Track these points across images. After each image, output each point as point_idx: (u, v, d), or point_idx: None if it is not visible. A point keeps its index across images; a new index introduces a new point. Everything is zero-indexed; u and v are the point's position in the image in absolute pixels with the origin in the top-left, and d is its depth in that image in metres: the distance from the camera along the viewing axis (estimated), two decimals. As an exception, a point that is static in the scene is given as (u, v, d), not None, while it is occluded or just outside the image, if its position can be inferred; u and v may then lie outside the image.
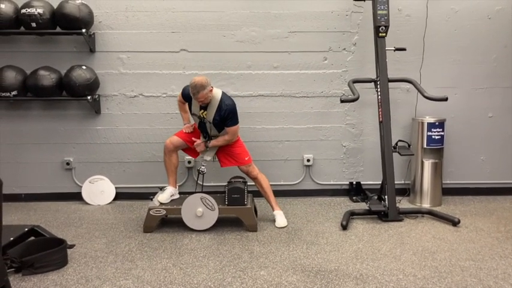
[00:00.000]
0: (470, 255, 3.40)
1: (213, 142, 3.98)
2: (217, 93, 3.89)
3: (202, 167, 4.08)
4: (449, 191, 4.88)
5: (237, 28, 4.71)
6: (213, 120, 3.90)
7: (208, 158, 4.07)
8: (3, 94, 4.42)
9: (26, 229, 3.47)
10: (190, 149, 4.13)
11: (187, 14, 4.68)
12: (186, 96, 3.98)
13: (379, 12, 4.28)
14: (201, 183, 4.16)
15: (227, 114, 3.86)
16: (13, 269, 3.10)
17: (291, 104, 4.83)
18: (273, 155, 4.90)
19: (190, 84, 3.75)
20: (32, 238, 3.49)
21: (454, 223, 4.04)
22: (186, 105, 4.12)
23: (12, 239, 3.26)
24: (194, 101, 3.90)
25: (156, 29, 4.69)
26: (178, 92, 4.71)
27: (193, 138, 4.04)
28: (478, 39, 4.80)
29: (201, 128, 4.04)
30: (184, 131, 4.11)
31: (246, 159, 4.09)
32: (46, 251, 3.19)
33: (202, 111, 3.93)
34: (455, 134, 4.88)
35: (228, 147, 4.06)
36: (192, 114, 4.04)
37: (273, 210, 4.17)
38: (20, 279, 3.04)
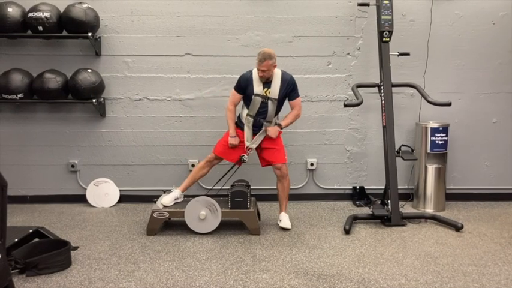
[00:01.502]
0: (473, 261, 3.39)
1: (285, 121, 4.06)
2: (277, 71, 3.96)
3: (246, 156, 4.05)
4: (453, 196, 4.87)
5: (242, 32, 4.74)
6: (278, 95, 3.94)
7: (254, 145, 4.06)
8: (10, 97, 4.46)
9: (31, 230, 3.49)
10: (231, 155, 4.12)
11: (192, 18, 4.71)
12: (245, 80, 3.96)
13: (383, 17, 4.30)
14: (209, 188, 4.13)
15: (291, 86, 3.95)
16: (17, 270, 3.12)
17: (295, 108, 4.84)
18: (277, 158, 4.90)
19: (259, 53, 3.82)
20: (37, 239, 3.52)
21: (457, 228, 4.03)
22: (235, 110, 4.08)
23: (16, 240, 3.28)
24: (255, 81, 3.93)
25: (161, 33, 4.72)
26: (183, 96, 4.76)
27: (232, 144, 4.03)
28: (482, 45, 4.80)
29: (262, 110, 3.98)
30: (230, 146, 4.05)
31: (285, 157, 4.14)
32: (50, 252, 3.21)
33: (266, 89, 3.94)
34: (459, 139, 4.88)
35: (275, 139, 4.05)
36: (255, 95, 3.96)
37: (280, 212, 4.17)
38: (24, 280, 3.06)
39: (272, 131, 4.01)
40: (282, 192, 4.16)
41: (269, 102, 3.96)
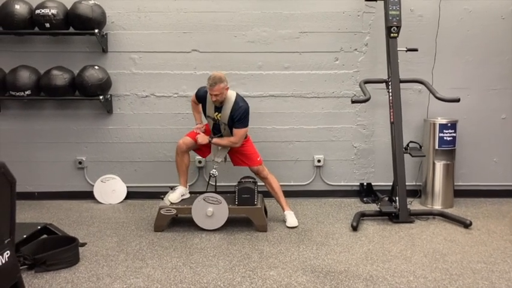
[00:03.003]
0: (482, 258, 3.37)
1: (216, 140, 4.00)
2: (231, 94, 3.93)
3: (214, 170, 4.10)
4: (461, 193, 4.84)
5: (248, 28, 4.72)
6: (228, 121, 3.92)
7: (219, 159, 4.09)
8: (17, 94, 4.48)
9: (39, 227, 3.51)
10: (201, 149, 4.15)
11: (198, 14, 4.70)
12: (200, 98, 4.02)
13: (391, 12, 4.26)
14: (214, 184, 4.16)
15: (238, 115, 3.87)
16: (26, 266, 3.14)
17: (302, 105, 4.83)
18: (284, 155, 4.90)
19: (209, 77, 3.79)
20: (45, 236, 3.54)
21: (466, 225, 4.00)
22: (200, 106, 4.14)
23: (25, 236, 3.30)
24: (209, 103, 3.94)
25: (167, 30, 4.71)
26: (190, 92, 4.76)
27: (197, 131, 4.04)
28: (491, 40, 4.76)
29: (215, 130, 4.05)
30: (195, 131, 4.12)
31: (258, 159, 4.11)
32: (58, 248, 3.22)
33: (216, 113, 3.95)
34: (468, 136, 4.84)
35: (238, 148, 4.07)
36: (207, 117, 4.05)
37: (284, 211, 4.17)
38: (33, 276, 3.08)
39: (200, 137, 3.99)
40: (272, 191, 4.17)
41: (221, 125, 3.98)
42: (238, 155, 4.11)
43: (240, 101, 3.92)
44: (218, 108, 3.93)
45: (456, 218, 4.13)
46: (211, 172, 4.11)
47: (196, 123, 4.20)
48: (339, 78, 4.80)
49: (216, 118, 3.97)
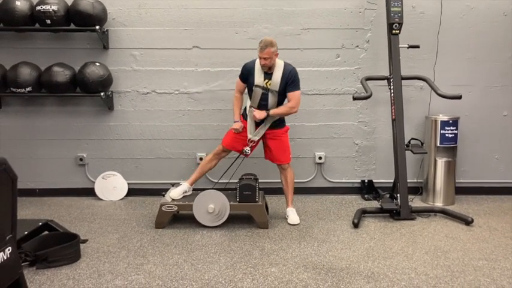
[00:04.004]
0: (484, 255, 3.37)
1: (274, 110, 3.92)
2: (280, 62, 3.91)
3: (247, 148, 4.01)
4: (463, 190, 4.83)
5: (250, 25, 4.71)
6: (279, 87, 3.88)
7: (256, 138, 4.01)
8: (18, 90, 4.47)
9: (40, 223, 3.51)
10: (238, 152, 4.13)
11: (200, 11, 4.69)
12: (248, 69, 3.95)
13: (392, 9, 4.25)
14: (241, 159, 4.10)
15: (291, 78, 3.86)
16: (27, 263, 3.14)
17: (303, 101, 4.77)
18: (285, 152, 4.89)
19: (260, 41, 3.79)
20: (46, 232, 3.54)
21: (467, 222, 4.00)
22: (242, 97, 4.09)
23: (26, 233, 3.30)
24: (257, 72, 3.90)
25: (168, 26, 4.71)
26: (191, 89, 4.76)
27: (235, 131, 3.99)
28: (493, 37, 4.74)
29: (263, 102, 3.96)
30: (233, 131, 4.04)
31: (290, 156, 4.12)
32: (59, 245, 3.22)
33: (266, 80, 3.90)
34: (469, 133, 4.83)
35: (276, 138, 4.02)
36: (255, 87, 3.94)
37: (287, 207, 4.16)
38: (34, 273, 3.08)
39: (257, 112, 3.92)
40: (285, 184, 4.16)
41: (269, 94, 3.92)
42: (273, 147, 4.05)
43: (288, 65, 3.92)
44: (268, 75, 3.89)
45: (458, 215, 4.12)
46: (245, 149, 4.01)
47: (234, 119, 4.10)
48: (341, 75, 4.79)
49: (265, 86, 3.90)
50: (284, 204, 4.26)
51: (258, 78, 3.91)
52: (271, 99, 3.93)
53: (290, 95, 3.93)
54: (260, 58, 3.81)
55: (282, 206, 4.38)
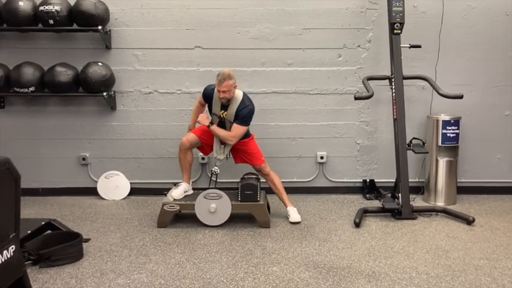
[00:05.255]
0: (485, 254, 3.37)
1: (215, 127, 3.93)
2: (238, 93, 3.94)
3: (216, 168, 4.11)
4: (464, 190, 4.83)
5: (251, 25, 4.72)
6: (234, 119, 3.92)
7: (221, 157, 4.08)
8: (22, 90, 4.49)
9: (43, 223, 3.53)
10: (203, 147, 4.16)
11: (202, 11, 4.70)
12: (208, 95, 4.01)
13: (394, 9, 4.26)
14: (215, 181, 4.18)
15: (242, 114, 3.89)
16: (30, 262, 3.16)
17: (305, 101, 4.83)
18: (286, 152, 4.90)
19: (218, 74, 3.80)
20: (49, 232, 3.56)
21: (469, 222, 4.00)
22: (203, 108, 4.15)
23: (29, 232, 3.32)
24: (215, 101, 3.95)
25: (171, 26, 4.72)
26: (193, 89, 4.77)
27: (199, 119, 3.99)
28: (495, 36, 4.74)
29: (221, 128, 4.01)
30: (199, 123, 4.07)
31: (262, 159, 4.12)
32: (62, 244, 3.24)
33: (222, 111, 3.95)
34: (471, 132, 4.83)
35: (242, 147, 4.07)
36: (212, 114, 4.04)
37: (286, 207, 4.18)
38: (37, 272, 3.10)
39: (201, 118, 3.94)
40: (274, 188, 4.18)
41: (226, 123, 3.97)
42: (241, 153, 4.12)
43: (246, 100, 3.94)
44: (224, 107, 3.94)
45: (459, 214, 4.13)
46: (213, 169, 4.12)
47: (189, 124, 4.24)
48: (342, 74, 4.80)
49: (222, 116, 3.97)
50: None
51: (215, 107, 3.98)
52: (228, 127, 3.98)
53: (233, 126, 3.93)
54: (219, 91, 3.82)
55: (283, 206, 4.38)
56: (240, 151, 4.11)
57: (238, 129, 3.93)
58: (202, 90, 4.75)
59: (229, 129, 3.97)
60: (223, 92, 3.80)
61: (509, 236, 3.74)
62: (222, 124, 4.01)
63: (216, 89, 3.88)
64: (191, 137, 4.07)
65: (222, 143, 4.04)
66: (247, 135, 4.10)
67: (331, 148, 4.92)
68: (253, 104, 3.97)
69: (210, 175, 4.20)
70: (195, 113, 4.18)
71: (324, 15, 4.71)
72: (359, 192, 4.96)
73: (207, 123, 3.94)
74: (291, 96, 4.82)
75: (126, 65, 4.77)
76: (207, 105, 4.12)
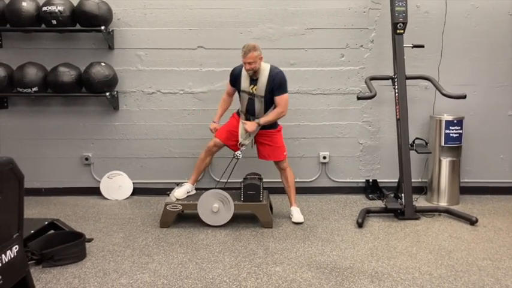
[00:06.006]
0: (488, 255, 3.36)
1: (264, 118, 3.92)
2: (265, 65, 3.90)
3: (239, 152, 4.02)
4: (467, 190, 4.82)
5: (254, 25, 4.72)
6: (265, 93, 3.88)
7: (246, 142, 4.03)
8: (25, 90, 4.50)
9: (46, 222, 3.54)
10: (231, 147, 4.11)
11: (204, 11, 4.70)
12: (235, 75, 3.98)
13: (397, 8, 4.25)
14: (232, 169, 4.10)
15: (277, 82, 3.85)
16: (33, 261, 3.16)
17: (307, 101, 4.83)
18: (289, 152, 4.85)
19: (243, 46, 3.80)
20: (52, 231, 3.56)
21: (472, 222, 3.99)
22: (230, 99, 4.13)
23: (32, 232, 3.33)
24: (243, 77, 3.92)
25: (173, 26, 4.73)
26: (196, 89, 4.78)
27: (213, 130, 4.01)
28: (498, 36, 4.73)
29: (249, 107, 3.98)
30: (211, 131, 4.09)
31: (284, 153, 4.11)
32: (65, 244, 3.25)
33: (252, 86, 3.91)
34: (474, 132, 4.82)
35: (268, 138, 4.03)
36: (242, 92, 3.97)
37: (291, 206, 4.17)
38: (40, 271, 3.11)
39: (249, 124, 3.93)
40: (286, 184, 4.17)
41: (256, 99, 3.92)
42: (266, 146, 4.07)
43: (274, 68, 3.90)
44: (253, 81, 3.90)
45: (462, 214, 4.12)
46: (236, 153, 4.02)
47: (214, 120, 4.15)
48: (345, 74, 4.79)
49: (251, 91, 3.92)
50: (288, 203, 4.27)
51: (244, 83, 3.93)
52: (258, 104, 3.94)
53: (277, 99, 3.90)
54: (244, 63, 3.81)
55: (286, 206, 4.39)
56: (265, 144, 4.06)
57: (282, 100, 3.90)
58: (204, 90, 4.79)
59: (259, 105, 3.91)
60: (249, 63, 3.77)
61: (513, 236, 3.74)
62: (252, 101, 3.94)
63: (243, 64, 3.86)
64: (218, 142, 4.05)
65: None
66: (275, 125, 4.07)
67: (333, 148, 4.91)
68: (282, 71, 3.92)
69: (229, 162, 4.12)
70: (222, 106, 4.17)
71: (326, 15, 4.71)
72: (362, 192, 4.95)
73: (255, 126, 3.92)
74: (293, 96, 4.80)
75: (128, 65, 4.78)
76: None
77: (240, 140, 4.02)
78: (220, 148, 4.10)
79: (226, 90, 4.17)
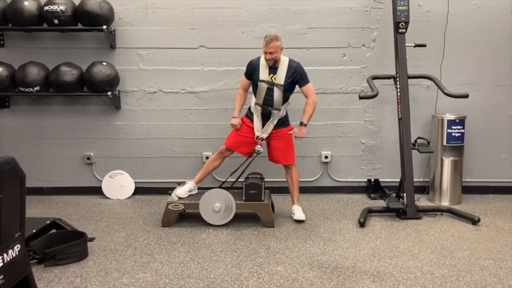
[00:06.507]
0: (490, 254, 3.36)
1: (306, 116, 3.98)
2: (284, 57, 3.95)
3: (259, 146, 4.02)
4: (469, 189, 4.82)
5: (256, 24, 4.72)
6: (284, 82, 3.91)
7: (264, 135, 4.03)
8: (27, 90, 4.51)
9: (48, 222, 3.54)
10: (243, 153, 4.14)
11: (206, 10, 4.70)
12: (253, 66, 3.99)
13: (399, 8, 4.24)
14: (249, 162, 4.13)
15: (299, 73, 3.92)
16: (35, 260, 3.17)
17: (309, 101, 4.81)
18: (291, 151, 4.89)
19: (265, 36, 3.85)
20: (54, 231, 3.57)
21: (474, 222, 3.98)
22: (246, 94, 4.13)
23: (34, 231, 3.33)
24: (262, 67, 3.94)
25: (175, 26, 4.73)
26: (197, 88, 4.78)
27: (234, 128, 4.02)
28: (501, 35, 4.72)
29: (268, 97, 3.96)
30: (231, 126, 4.09)
31: (295, 156, 4.12)
32: (67, 243, 3.25)
33: (271, 75, 3.93)
34: (476, 132, 4.81)
35: (281, 136, 4.03)
36: (261, 81, 3.96)
37: (293, 204, 4.17)
38: (42, 270, 3.11)
39: (298, 131, 4.00)
40: (291, 183, 4.16)
41: (275, 88, 3.93)
42: (279, 148, 4.06)
43: (293, 60, 3.96)
44: (273, 70, 3.92)
45: (464, 214, 4.11)
46: (257, 148, 4.02)
47: (234, 115, 4.12)
48: (347, 74, 4.79)
49: (271, 81, 3.93)
50: (290, 203, 4.27)
51: (263, 73, 3.94)
52: (277, 93, 3.94)
53: (304, 89, 3.98)
54: (266, 53, 3.85)
55: (287, 205, 4.39)
56: (278, 146, 4.06)
57: (309, 89, 3.98)
58: (206, 89, 4.79)
59: (279, 93, 3.92)
60: (271, 53, 3.81)
61: (515, 236, 3.73)
62: (270, 91, 3.94)
63: (262, 55, 3.90)
64: (232, 146, 4.08)
65: (264, 122, 4.01)
66: (287, 122, 4.10)
67: (335, 147, 4.91)
68: (299, 62, 3.99)
69: (251, 155, 4.12)
70: (239, 102, 4.14)
71: (328, 15, 4.70)
72: (363, 191, 4.95)
73: (304, 129, 3.98)
74: (295, 95, 4.77)
75: (130, 64, 4.78)
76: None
77: (257, 133, 4.02)
78: (231, 153, 4.12)
79: (241, 85, 4.16)
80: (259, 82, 3.97)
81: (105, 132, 4.90)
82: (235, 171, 4.20)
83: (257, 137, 4.02)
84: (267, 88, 3.95)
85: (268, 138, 4.08)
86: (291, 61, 3.95)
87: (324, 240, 3.64)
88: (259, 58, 3.98)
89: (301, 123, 4.00)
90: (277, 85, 3.93)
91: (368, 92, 4.27)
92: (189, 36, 4.74)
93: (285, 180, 4.21)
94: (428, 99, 4.78)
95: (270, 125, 4.02)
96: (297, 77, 3.93)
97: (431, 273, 3.06)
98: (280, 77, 3.91)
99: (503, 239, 3.66)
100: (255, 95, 4.03)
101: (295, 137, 4.05)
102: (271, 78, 3.93)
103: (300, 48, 4.72)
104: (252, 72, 4.01)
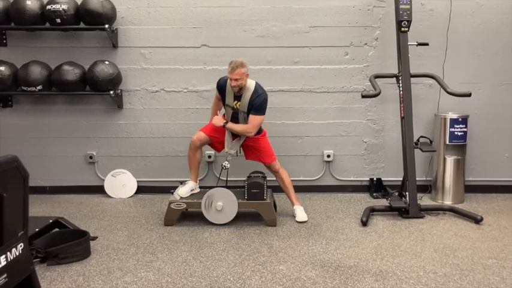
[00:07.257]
0: (493, 254, 3.35)
1: (231, 125, 3.93)
2: (251, 82, 3.92)
3: (226, 162, 4.07)
4: (472, 188, 4.81)
5: (258, 23, 4.71)
6: (247, 109, 3.90)
7: (232, 151, 4.06)
8: (29, 89, 4.51)
9: (51, 221, 3.55)
10: (215, 145, 4.15)
11: (208, 9, 4.70)
12: (221, 86, 4.00)
13: (401, 6, 4.23)
14: (224, 178, 4.18)
15: (257, 102, 3.86)
16: (38, 259, 3.18)
17: (312, 99, 4.82)
18: (293, 150, 4.89)
19: (230, 62, 3.80)
20: (56, 229, 3.58)
21: (477, 221, 3.98)
22: (220, 104, 4.14)
23: (37, 230, 3.34)
24: (228, 92, 3.93)
25: (177, 25, 4.72)
26: (200, 87, 4.79)
27: (214, 122, 3.97)
28: (503, 34, 4.71)
29: (234, 120, 4.00)
30: (214, 124, 4.06)
31: (272, 157, 4.11)
32: (70, 242, 3.26)
33: (236, 102, 3.93)
34: (479, 130, 4.80)
35: (253, 143, 4.05)
36: (226, 106, 4.02)
37: (293, 205, 4.17)
38: (45, 269, 3.12)
39: (216, 120, 3.94)
40: (283, 185, 4.17)
41: (239, 114, 3.95)
42: (252, 150, 4.10)
43: (259, 89, 3.91)
44: (237, 97, 3.92)
45: (467, 213, 4.10)
46: (224, 164, 4.07)
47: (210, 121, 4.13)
48: (349, 72, 4.78)
49: (235, 107, 3.95)
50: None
51: (229, 98, 3.96)
52: (241, 119, 3.96)
53: (250, 117, 3.91)
54: (231, 79, 3.81)
55: (290, 204, 4.37)
56: (252, 148, 4.09)
57: (255, 120, 3.91)
58: (208, 88, 4.79)
59: (243, 121, 3.94)
60: (236, 80, 3.78)
61: (518, 235, 3.72)
62: (236, 116, 3.97)
63: (228, 79, 3.87)
64: (201, 135, 4.06)
65: (234, 138, 4.03)
66: (259, 131, 4.08)
67: (337, 146, 4.90)
68: (266, 93, 3.94)
69: (219, 171, 4.17)
70: (213, 109, 4.21)
71: (330, 13, 4.69)
72: (366, 190, 4.94)
73: (222, 123, 3.92)
74: (297, 94, 4.81)
75: (132, 63, 4.79)
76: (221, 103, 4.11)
77: (227, 149, 4.05)
78: (204, 143, 4.08)
79: (215, 96, 4.19)
80: (225, 105, 4.02)
81: (108, 131, 4.90)
82: (219, 178, 4.21)
83: (226, 152, 4.05)
84: (232, 112, 3.98)
85: (242, 144, 4.08)
86: (256, 89, 3.89)
87: (327, 239, 3.64)
88: (226, 80, 3.93)
89: (226, 121, 3.93)
90: (241, 112, 3.94)
91: (370, 91, 4.27)
92: (191, 35, 4.74)
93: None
94: (430, 98, 4.77)
95: (237, 144, 4.03)
96: (254, 105, 3.86)
97: (434, 272, 3.06)
98: (244, 104, 3.91)
99: (506, 238, 3.66)
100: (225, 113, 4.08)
101: (213, 124, 3.96)
102: (235, 104, 3.94)
103: (302, 47, 4.72)
104: (221, 91, 4.03)
